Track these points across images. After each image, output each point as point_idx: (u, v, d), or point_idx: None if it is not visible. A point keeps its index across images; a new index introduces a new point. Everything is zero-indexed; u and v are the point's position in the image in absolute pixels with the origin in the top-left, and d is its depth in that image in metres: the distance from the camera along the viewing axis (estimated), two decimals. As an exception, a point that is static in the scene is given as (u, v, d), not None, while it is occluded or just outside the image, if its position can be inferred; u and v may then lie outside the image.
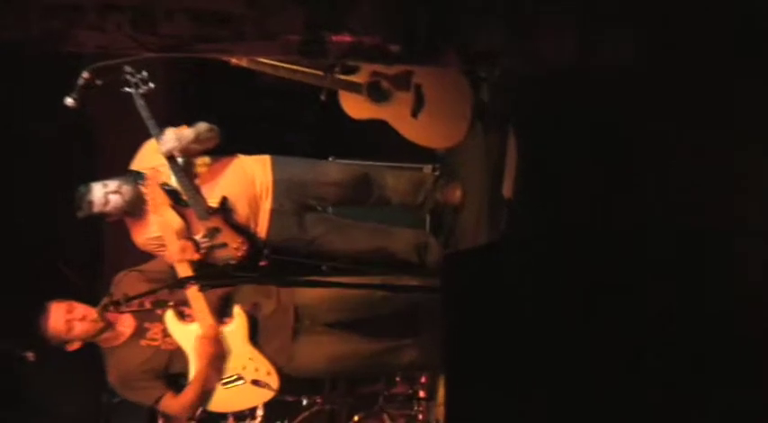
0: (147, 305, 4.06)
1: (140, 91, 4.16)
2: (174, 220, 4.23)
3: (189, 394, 4.24)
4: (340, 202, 4.71)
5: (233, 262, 4.31)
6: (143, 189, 4.21)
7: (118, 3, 2.79)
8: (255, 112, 5.38)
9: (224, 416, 4.73)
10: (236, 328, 4.26)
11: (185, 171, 4.27)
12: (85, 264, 5.02)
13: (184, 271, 4.16)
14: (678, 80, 3.04)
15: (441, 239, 4.85)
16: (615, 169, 3.27)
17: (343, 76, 4.46)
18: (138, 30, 2.82)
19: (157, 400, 4.26)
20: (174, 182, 4.27)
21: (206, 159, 4.40)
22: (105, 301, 3.96)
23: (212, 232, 4.26)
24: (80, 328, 4.16)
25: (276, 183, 4.46)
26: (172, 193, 4.26)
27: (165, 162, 4.23)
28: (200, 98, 5.25)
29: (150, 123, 4.18)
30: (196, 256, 4.20)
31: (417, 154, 4.85)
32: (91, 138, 5.12)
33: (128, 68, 4.13)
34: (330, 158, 4.92)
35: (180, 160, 4.28)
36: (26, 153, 4.71)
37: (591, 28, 2.99)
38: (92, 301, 4.16)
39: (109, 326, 4.21)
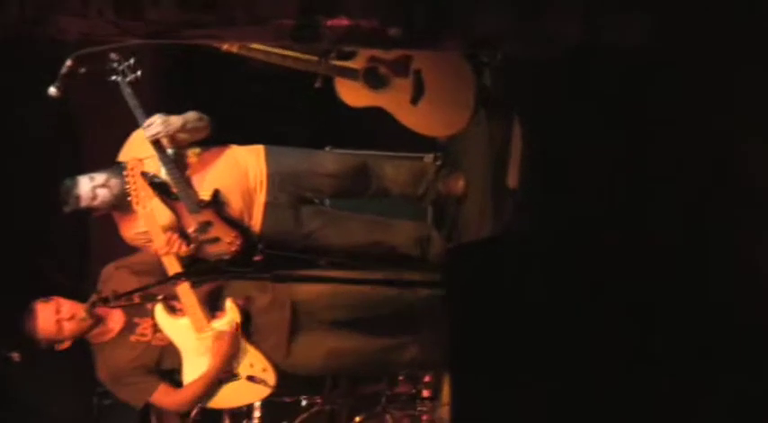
0: (136, 299, 4.03)
1: (128, 79, 4.12)
2: (162, 213, 4.19)
3: (191, 390, 4.23)
4: (337, 194, 4.68)
5: (226, 257, 4.28)
6: (125, 180, 4.17)
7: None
8: (247, 100, 5.34)
9: (220, 418, 4.69)
10: (228, 323, 4.23)
11: (175, 162, 4.23)
12: (67, 257, 4.98)
13: (171, 264, 4.13)
14: (685, 63, 3.02)
15: (443, 232, 4.81)
16: (623, 156, 3.25)
17: (338, 62, 4.44)
18: (122, 16, 2.80)
19: (148, 400, 4.24)
20: (163, 174, 4.23)
21: (196, 149, 4.35)
22: (94, 298, 3.99)
23: (204, 226, 4.23)
24: (70, 328, 4.14)
25: (270, 174, 4.42)
26: (161, 186, 4.21)
27: (154, 153, 4.19)
28: (187, 86, 5.20)
29: (138, 112, 4.15)
30: (184, 249, 4.17)
31: (418, 143, 4.82)
32: (76, 129, 5.07)
33: (114, 56, 4.09)
34: (327, 148, 4.89)
35: (170, 152, 4.23)
36: (8, 146, 4.66)
37: (596, 10, 2.97)
38: (76, 294, 4.14)
39: (98, 322, 4.19)
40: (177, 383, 4.27)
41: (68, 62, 3.99)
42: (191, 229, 4.22)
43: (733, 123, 2.98)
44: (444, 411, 4.64)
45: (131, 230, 4.32)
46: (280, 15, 2.88)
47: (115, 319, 4.24)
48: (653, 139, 3.16)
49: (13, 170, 4.72)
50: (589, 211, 3.27)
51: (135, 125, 4.22)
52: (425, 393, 4.83)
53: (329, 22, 2.89)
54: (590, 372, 2.89)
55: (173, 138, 4.23)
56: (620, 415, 2.88)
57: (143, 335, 4.24)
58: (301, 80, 4.52)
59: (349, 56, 4.44)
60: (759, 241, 2.85)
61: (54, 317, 4.10)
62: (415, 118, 4.54)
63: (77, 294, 4.18)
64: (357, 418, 4.81)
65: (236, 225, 4.32)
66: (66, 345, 4.18)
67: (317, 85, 4.46)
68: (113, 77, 4.12)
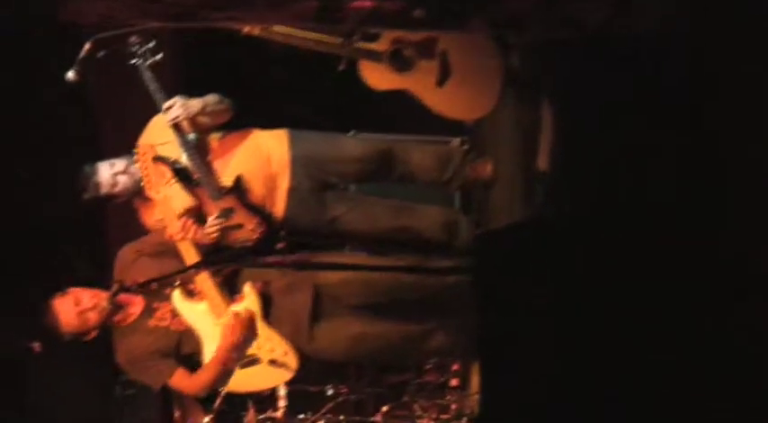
0: (154, 285, 4.05)
1: (148, 62, 4.14)
2: (177, 198, 4.19)
3: (205, 374, 4.23)
4: (362, 179, 4.66)
5: (248, 244, 4.28)
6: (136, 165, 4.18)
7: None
8: (270, 84, 5.34)
9: (244, 406, 4.71)
10: (245, 307, 4.24)
11: (196, 148, 4.24)
12: (86, 243, 4.99)
13: (187, 250, 4.14)
14: (717, 41, 3.00)
15: (471, 218, 4.80)
16: (656, 136, 3.24)
17: (362, 45, 4.43)
18: (143, -3, 2.80)
19: (166, 382, 4.25)
20: (184, 159, 4.24)
21: (217, 134, 4.37)
22: (116, 287, 4.00)
23: (226, 213, 4.23)
24: (93, 318, 4.14)
25: (294, 159, 4.42)
26: (182, 172, 4.23)
27: (174, 138, 4.20)
28: (207, 70, 5.21)
29: (158, 97, 4.17)
30: (199, 235, 4.18)
31: (444, 126, 4.80)
32: (94, 113, 5.08)
33: (134, 39, 4.10)
34: (351, 132, 4.88)
35: (192, 137, 4.25)
36: (24, 130, 4.68)
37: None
38: (94, 282, 4.15)
39: (119, 308, 4.21)
40: (197, 366, 4.28)
41: (87, 46, 3.99)
42: (212, 217, 4.24)
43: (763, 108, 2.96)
44: (473, 401, 4.64)
45: (152, 217, 4.33)
46: (303, -4, 2.88)
47: (135, 304, 4.27)
48: (683, 121, 3.15)
49: (33, 158, 4.73)
50: (621, 196, 3.26)
51: (155, 110, 4.22)
52: (454, 382, 4.82)
53: (353, 4, 2.89)
54: (622, 360, 2.88)
55: (193, 122, 4.23)
56: (651, 400, 2.88)
57: (162, 319, 4.25)
58: (325, 63, 4.51)
59: (373, 38, 4.44)
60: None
61: (74, 309, 4.11)
62: (440, 101, 4.53)
63: (95, 282, 4.20)
64: (384, 408, 4.82)
65: (259, 211, 4.33)
66: (93, 334, 4.19)
67: (341, 67, 4.45)
68: (134, 61, 4.14)
